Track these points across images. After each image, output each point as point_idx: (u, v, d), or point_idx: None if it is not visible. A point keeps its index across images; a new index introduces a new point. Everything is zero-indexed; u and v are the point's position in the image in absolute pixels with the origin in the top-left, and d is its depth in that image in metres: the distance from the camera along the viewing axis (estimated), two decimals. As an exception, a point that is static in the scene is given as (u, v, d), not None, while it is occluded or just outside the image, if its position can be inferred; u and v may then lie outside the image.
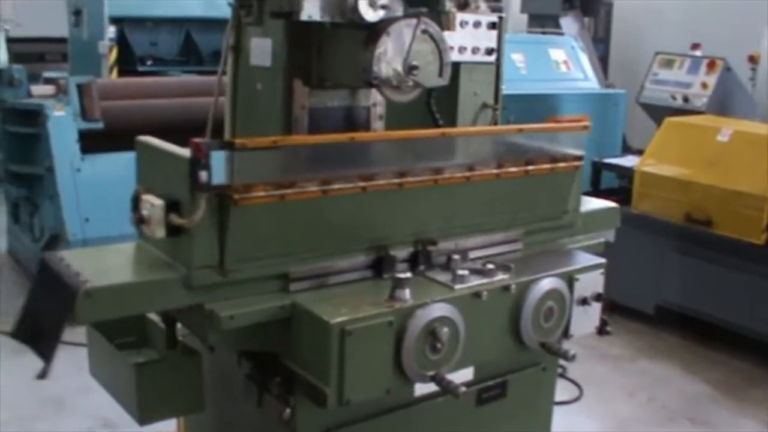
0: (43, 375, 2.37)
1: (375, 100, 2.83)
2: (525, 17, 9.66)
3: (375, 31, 2.47)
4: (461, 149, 2.77)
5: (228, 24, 2.81)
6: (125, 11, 8.50)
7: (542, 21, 9.28)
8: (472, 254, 2.74)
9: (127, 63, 8.60)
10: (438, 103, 2.96)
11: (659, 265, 5.57)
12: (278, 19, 2.57)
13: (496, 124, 3.19)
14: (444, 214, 2.67)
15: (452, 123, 3.02)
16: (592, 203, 3.22)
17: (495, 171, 2.74)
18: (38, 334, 2.33)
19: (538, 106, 6.37)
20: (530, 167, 2.81)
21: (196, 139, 2.18)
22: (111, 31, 8.40)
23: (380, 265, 2.54)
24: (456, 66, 2.84)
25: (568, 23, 9.05)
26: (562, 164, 2.90)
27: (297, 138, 2.50)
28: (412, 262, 2.60)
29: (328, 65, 2.67)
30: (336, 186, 2.38)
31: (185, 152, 2.21)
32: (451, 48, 2.72)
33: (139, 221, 2.32)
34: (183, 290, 2.24)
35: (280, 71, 2.65)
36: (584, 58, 7.48)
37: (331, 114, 2.76)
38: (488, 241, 2.80)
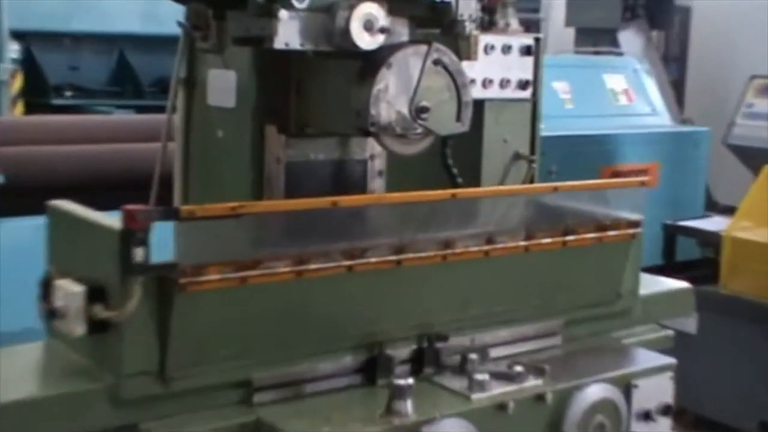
0: None
1: (373, 151, 2.94)
2: (571, 32, 9.70)
3: (372, 63, 2.57)
4: (478, 215, 2.86)
5: (178, 49, 2.94)
6: (33, 24, 8.58)
7: (595, 37, 9.29)
8: (495, 352, 2.81)
9: (37, 94, 8.69)
10: (456, 155, 3.05)
11: (761, 365, 5.54)
12: (244, 47, 2.68)
13: (532, 179, 3.30)
14: (456, 300, 2.76)
15: (475, 180, 3.13)
16: (656, 283, 3.31)
17: (522, 243, 2.81)
18: None
19: (589, 152, 6.38)
20: (569, 237, 2.90)
21: (130, 206, 2.25)
22: (14, 49, 8.41)
23: (373, 368, 2.61)
24: (479, 105, 2.95)
25: (630, 39, 9.05)
26: (612, 233, 2.99)
27: (263, 204, 2.60)
28: (416, 363, 2.67)
29: (310, 107, 2.77)
30: (314, 266, 2.46)
31: (115, 222, 2.28)
32: (473, 82, 2.83)
33: (51, 314, 2.37)
34: (109, 406, 2.30)
35: (247, 114, 2.77)
36: (651, 86, 7.50)
37: (316, 170, 2.86)
38: (515, 336, 2.88)
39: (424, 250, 2.65)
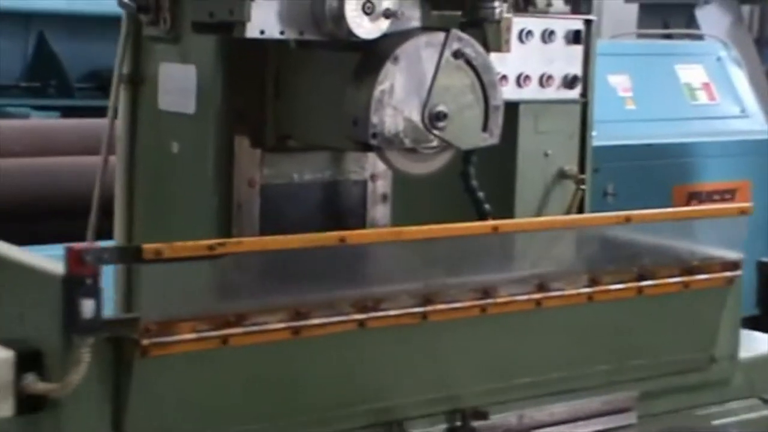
0: None
1: (374, 170, 2.87)
2: (634, 9, 9.45)
3: (374, 56, 2.49)
4: (526, 255, 2.72)
5: (120, 35, 2.76)
6: None
7: (665, 15, 9.03)
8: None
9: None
10: (483, 175, 2.92)
11: None
12: (207, 35, 2.58)
13: (582, 204, 3.16)
14: (499, 364, 2.63)
15: (507, 207, 3.02)
16: (760, 342, 3.13)
17: (585, 290, 2.66)
18: None
19: (658, 168, 6.12)
20: (646, 283, 2.73)
21: (78, 245, 2.06)
22: None
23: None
24: (513, 109, 2.85)
25: (712, 17, 8.61)
26: (702, 277, 2.81)
27: (250, 242, 2.37)
28: None
29: (293, 113, 2.69)
30: (316, 321, 2.32)
31: (55, 266, 2.11)
32: (504, 79, 2.76)
33: None
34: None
35: (211, 122, 2.69)
36: (741, 79, 7.12)
37: (301, 195, 2.77)
38: (576, 412, 2.73)
39: (457, 300, 2.51)
